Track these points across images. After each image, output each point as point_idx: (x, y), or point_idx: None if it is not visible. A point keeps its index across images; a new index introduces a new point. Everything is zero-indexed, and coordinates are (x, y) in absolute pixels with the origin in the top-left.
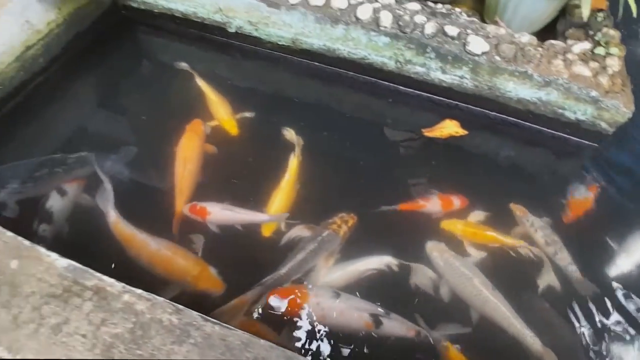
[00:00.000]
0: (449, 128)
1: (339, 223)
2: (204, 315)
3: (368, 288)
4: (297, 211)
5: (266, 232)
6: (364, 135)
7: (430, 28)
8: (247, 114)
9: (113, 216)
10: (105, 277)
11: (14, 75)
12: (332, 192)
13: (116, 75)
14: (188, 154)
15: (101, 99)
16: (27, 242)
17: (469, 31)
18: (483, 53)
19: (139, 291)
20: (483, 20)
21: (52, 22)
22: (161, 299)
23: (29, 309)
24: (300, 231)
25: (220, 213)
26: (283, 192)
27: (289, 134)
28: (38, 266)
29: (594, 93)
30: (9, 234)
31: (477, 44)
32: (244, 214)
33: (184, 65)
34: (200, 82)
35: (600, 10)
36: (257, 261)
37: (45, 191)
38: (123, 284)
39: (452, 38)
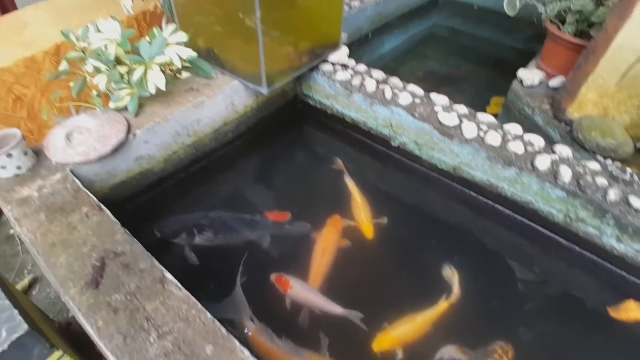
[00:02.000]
0: (636, 313)
1: (500, 353)
2: None
3: None
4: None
5: (382, 345)
6: (510, 276)
7: (613, 195)
8: (386, 222)
9: (252, 326)
10: None
11: (207, 143)
12: (475, 321)
13: (281, 157)
14: (327, 246)
15: (264, 175)
16: (224, 330)
17: None
18: None
19: None
20: None
21: (248, 106)
22: None
23: None
24: (454, 353)
25: (300, 291)
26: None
27: (448, 270)
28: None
29: None
30: (209, 316)
31: None
32: (321, 301)
33: (339, 162)
34: (349, 182)
35: None
36: None
37: (230, 244)
38: None
39: (636, 211)
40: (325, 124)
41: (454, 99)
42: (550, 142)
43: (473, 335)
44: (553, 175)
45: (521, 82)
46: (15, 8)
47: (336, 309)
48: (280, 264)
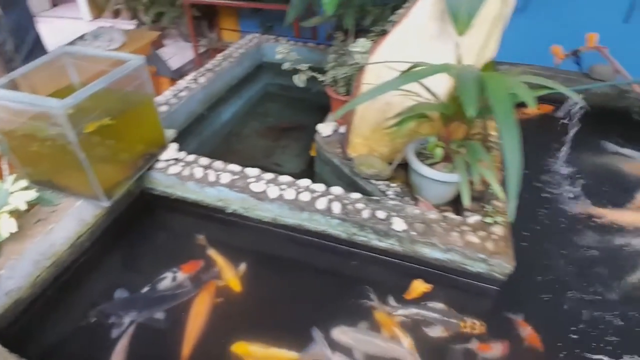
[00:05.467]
0: (421, 287)
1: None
2: None
3: None
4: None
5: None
6: (330, 285)
7: (366, 214)
8: (245, 272)
9: None
10: None
11: (66, 258)
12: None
13: (141, 245)
14: (200, 308)
15: (129, 265)
16: None
17: (393, 213)
18: (403, 230)
19: None
20: (412, 194)
21: (98, 215)
22: None
23: None
24: None
25: None
26: None
27: None
28: None
29: (482, 255)
30: None
31: (398, 224)
32: None
33: (194, 235)
34: (209, 249)
35: None
36: None
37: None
38: None
39: (382, 220)
40: (173, 207)
41: (291, 149)
42: (337, 180)
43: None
44: (329, 210)
45: (320, 133)
46: None
47: None
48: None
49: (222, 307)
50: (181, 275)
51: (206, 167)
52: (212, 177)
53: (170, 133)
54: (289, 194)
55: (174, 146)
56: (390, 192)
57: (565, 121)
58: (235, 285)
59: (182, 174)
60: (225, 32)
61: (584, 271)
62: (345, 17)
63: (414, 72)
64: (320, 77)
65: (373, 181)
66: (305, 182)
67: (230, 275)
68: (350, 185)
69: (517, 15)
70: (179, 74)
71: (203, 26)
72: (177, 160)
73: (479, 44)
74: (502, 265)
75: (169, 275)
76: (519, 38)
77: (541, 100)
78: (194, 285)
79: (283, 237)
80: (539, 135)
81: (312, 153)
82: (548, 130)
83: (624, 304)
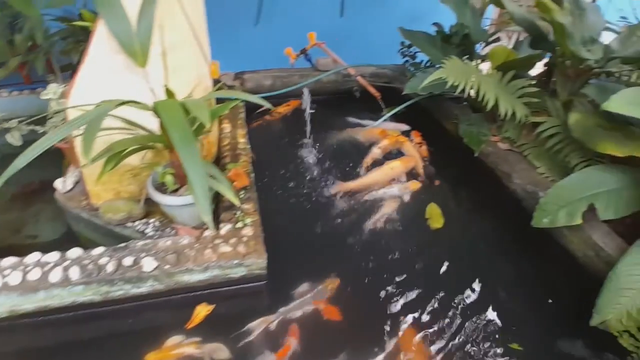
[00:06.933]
0: (203, 311)
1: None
2: None
3: None
4: None
5: None
6: (103, 353)
7: (111, 266)
8: None
9: None
10: None
11: None
12: None
13: None
14: None
15: None
16: None
17: (142, 255)
18: (154, 268)
19: None
20: (170, 224)
21: None
22: None
23: None
24: None
25: None
26: None
27: None
28: None
29: (236, 261)
30: None
31: (148, 264)
32: None
33: None
34: None
35: (244, 187)
36: None
37: None
38: None
39: (130, 267)
40: None
41: (46, 212)
42: (95, 233)
43: None
44: (67, 279)
45: (60, 190)
46: None
47: None
48: None
49: None
50: None
51: None
52: None
53: None
54: (14, 279)
55: None
56: (149, 229)
57: (309, 111)
58: None
59: None
60: None
61: (342, 233)
62: (36, 62)
63: (74, 120)
64: (41, 129)
65: (129, 224)
66: (33, 257)
67: None
68: (108, 234)
69: (253, 28)
70: None
71: None
72: None
73: (170, 71)
74: (257, 262)
75: None
76: (260, 47)
77: (291, 96)
78: None
79: (32, 326)
80: (291, 129)
81: None
82: (298, 123)
83: (371, 240)
